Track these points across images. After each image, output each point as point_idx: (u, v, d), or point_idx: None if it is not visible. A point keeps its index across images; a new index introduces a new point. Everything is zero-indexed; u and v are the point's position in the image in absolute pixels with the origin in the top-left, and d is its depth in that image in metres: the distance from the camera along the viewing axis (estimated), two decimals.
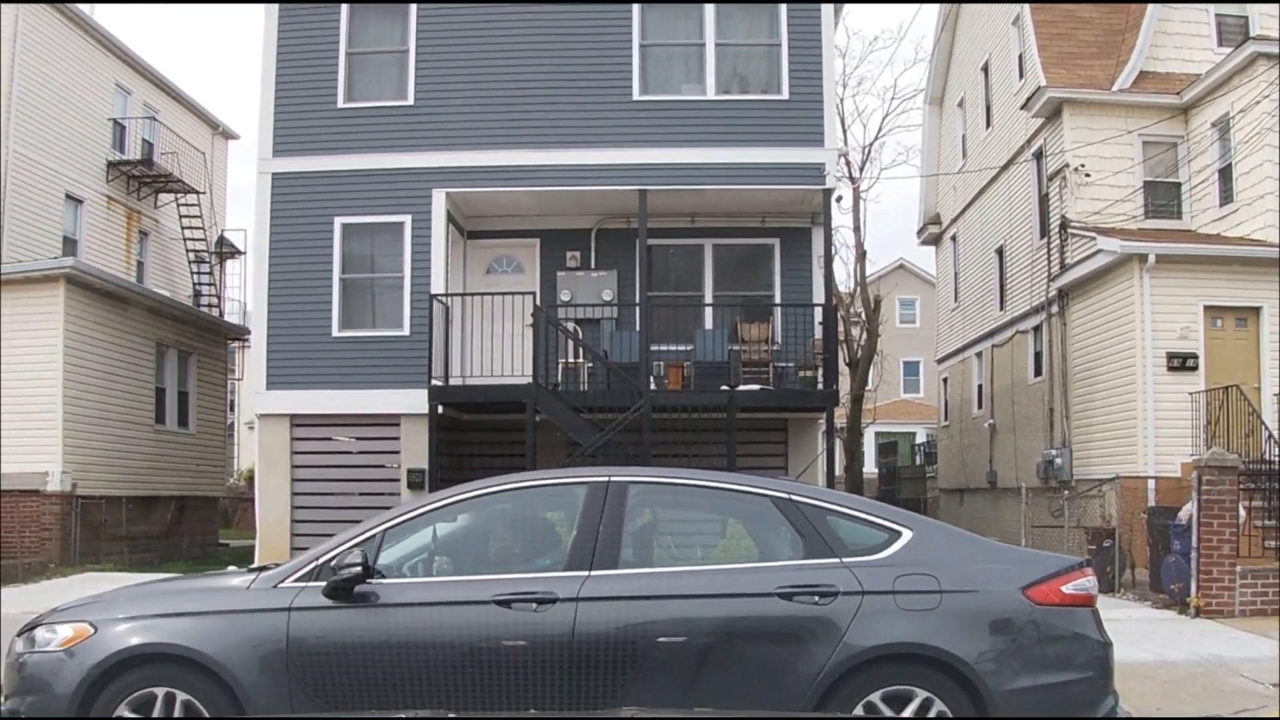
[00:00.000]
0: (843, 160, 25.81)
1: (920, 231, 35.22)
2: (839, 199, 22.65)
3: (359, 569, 6.80)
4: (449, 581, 7.21)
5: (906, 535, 7.13)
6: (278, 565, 7.51)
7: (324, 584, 6.91)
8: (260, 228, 20.53)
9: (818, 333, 20.15)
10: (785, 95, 20.22)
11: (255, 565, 19.62)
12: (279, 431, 20.23)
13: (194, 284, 31.91)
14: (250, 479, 39.30)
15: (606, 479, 7.35)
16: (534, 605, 6.78)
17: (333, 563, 6.93)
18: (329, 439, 20.27)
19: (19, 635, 7.34)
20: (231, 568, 19.96)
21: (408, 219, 20.09)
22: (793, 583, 6.85)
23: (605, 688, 6.69)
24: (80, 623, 7.09)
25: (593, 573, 6.91)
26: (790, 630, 6.79)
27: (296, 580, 7.07)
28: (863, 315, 35.95)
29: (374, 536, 7.19)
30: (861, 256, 37.01)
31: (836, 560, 6.97)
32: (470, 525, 7.67)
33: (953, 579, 6.89)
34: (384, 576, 7.00)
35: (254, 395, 20.41)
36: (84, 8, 29.70)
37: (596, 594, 6.82)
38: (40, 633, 7.17)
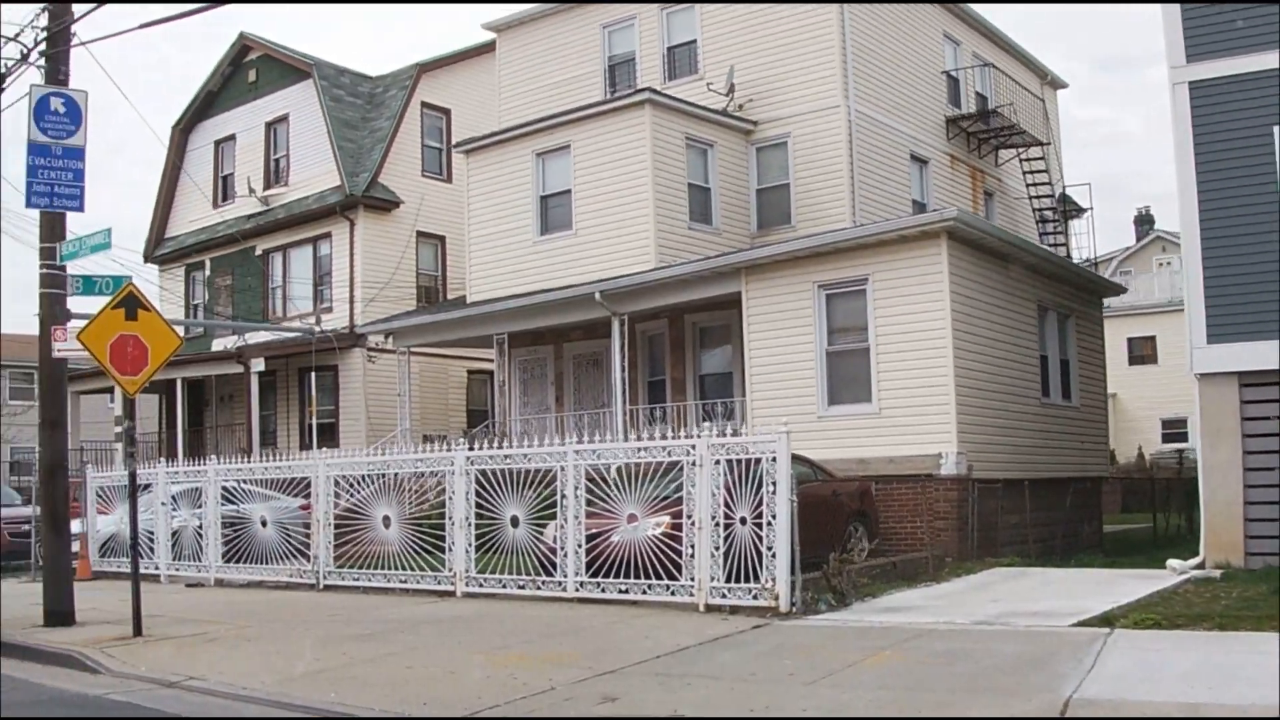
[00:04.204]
0: None
1: None
2: None
3: None
4: None
5: None
6: None
7: None
8: (1180, 149, 16.93)
9: None
10: None
11: (1197, 561, 16.18)
12: (1225, 395, 16.55)
13: (1042, 245, 28.94)
14: (1112, 459, 36.03)
15: None
16: None
17: None
18: None
19: None
20: (1173, 562, 16.60)
21: None
22: None
23: None
24: None
25: None
26: None
27: None
28: None
29: None
30: None
31: None
32: None
33: None
34: None
35: (1194, 352, 16.80)
36: None
37: None
38: None
